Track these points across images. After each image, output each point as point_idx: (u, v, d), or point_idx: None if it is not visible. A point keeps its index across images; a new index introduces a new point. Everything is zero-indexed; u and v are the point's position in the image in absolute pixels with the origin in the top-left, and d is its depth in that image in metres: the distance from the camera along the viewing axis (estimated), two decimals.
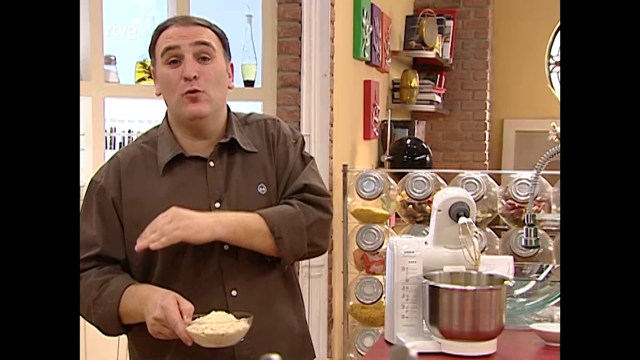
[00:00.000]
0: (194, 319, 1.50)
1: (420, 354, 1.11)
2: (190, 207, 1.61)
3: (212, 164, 1.67)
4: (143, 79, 3.27)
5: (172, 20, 1.69)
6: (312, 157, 1.79)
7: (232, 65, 1.74)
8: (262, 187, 1.68)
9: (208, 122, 1.67)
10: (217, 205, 1.64)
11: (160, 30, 1.68)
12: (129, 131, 3.29)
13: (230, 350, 1.59)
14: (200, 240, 1.58)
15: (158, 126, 1.75)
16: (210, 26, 1.68)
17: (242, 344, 1.61)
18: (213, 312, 1.52)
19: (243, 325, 1.51)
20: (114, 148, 3.24)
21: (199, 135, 1.68)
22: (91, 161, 3.12)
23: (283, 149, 1.73)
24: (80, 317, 1.66)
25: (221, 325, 1.49)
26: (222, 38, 1.69)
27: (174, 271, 1.64)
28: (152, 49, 1.70)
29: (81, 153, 3.14)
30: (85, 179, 3.12)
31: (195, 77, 1.61)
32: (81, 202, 1.72)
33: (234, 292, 1.64)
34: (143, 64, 3.27)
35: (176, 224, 1.55)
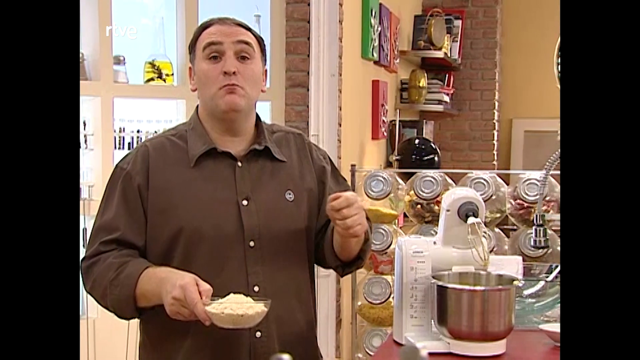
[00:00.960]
0: (212, 300, 1.51)
1: (429, 354, 1.11)
2: (219, 201, 1.65)
3: (240, 164, 1.70)
4: (152, 79, 3.28)
5: (214, 19, 1.73)
6: (345, 179, 1.89)
7: (265, 70, 1.78)
8: (289, 194, 1.72)
9: (240, 118, 1.70)
10: (245, 202, 1.67)
11: (203, 27, 1.73)
12: (138, 131, 3.30)
13: (247, 346, 1.62)
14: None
15: (185, 123, 1.79)
16: (250, 29, 1.73)
17: (258, 340, 1.64)
18: (232, 294, 1.53)
19: (261, 307, 1.52)
20: (123, 148, 3.25)
21: (229, 131, 1.71)
22: (100, 161, 3.13)
23: (319, 164, 1.80)
24: (96, 302, 1.70)
25: (240, 306, 1.50)
26: (260, 42, 1.74)
27: (193, 262, 1.64)
28: (192, 45, 1.75)
29: (90, 153, 3.15)
30: (94, 178, 3.14)
31: (234, 72, 1.66)
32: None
33: (256, 288, 1.65)
34: (152, 64, 3.28)
35: (360, 219, 1.60)
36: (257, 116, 1.78)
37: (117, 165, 1.73)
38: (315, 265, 1.83)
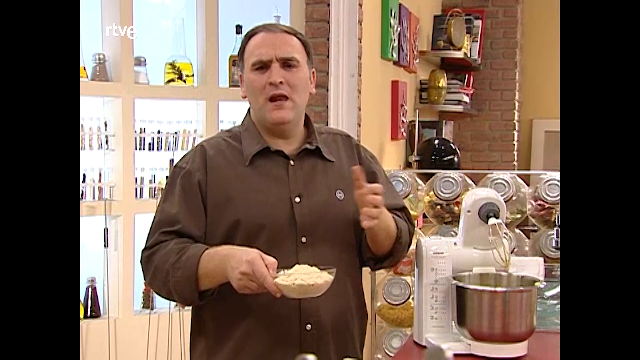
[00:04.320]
0: (277, 273, 1.55)
1: None
2: (273, 197, 1.71)
3: (292, 162, 1.75)
4: (172, 80, 3.30)
5: (261, 27, 1.77)
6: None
7: (314, 72, 1.81)
8: (340, 193, 1.76)
9: (289, 127, 1.76)
10: (297, 200, 1.71)
11: (249, 36, 1.77)
12: (159, 132, 3.32)
13: (296, 338, 1.66)
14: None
15: (238, 125, 1.84)
16: (295, 34, 1.77)
17: (309, 332, 1.67)
18: (297, 265, 1.58)
19: (329, 276, 1.55)
20: (144, 149, 3.27)
21: (280, 136, 1.77)
22: (121, 161, 3.15)
23: (367, 164, 1.84)
24: (157, 294, 1.75)
25: (309, 276, 1.53)
26: (306, 46, 1.78)
27: None
28: (240, 55, 1.78)
29: (111, 153, 3.17)
30: (115, 179, 3.16)
31: (280, 82, 1.70)
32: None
33: None
34: (172, 65, 3.30)
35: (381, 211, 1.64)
36: (307, 117, 1.83)
37: (175, 165, 1.79)
38: None
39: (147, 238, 1.73)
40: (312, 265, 1.58)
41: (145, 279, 1.75)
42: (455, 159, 4.06)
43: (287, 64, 1.72)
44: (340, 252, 1.74)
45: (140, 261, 1.73)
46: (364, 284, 3.32)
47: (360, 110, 3.27)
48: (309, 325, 1.68)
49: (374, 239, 1.73)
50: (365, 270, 3.32)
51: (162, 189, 1.81)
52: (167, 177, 1.82)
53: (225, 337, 1.70)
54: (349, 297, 1.77)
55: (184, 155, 1.80)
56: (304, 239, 1.70)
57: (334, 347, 1.71)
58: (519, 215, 3.11)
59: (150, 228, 1.74)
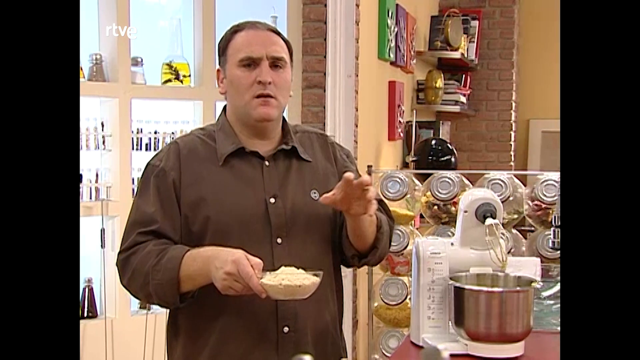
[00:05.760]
0: (263, 274, 1.53)
1: None
2: (247, 198, 1.68)
3: (267, 163, 1.73)
4: (169, 80, 3.29)
5: (245, 23, 1.75)
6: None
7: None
8: (314, 192, 1.74)
9: (272, 125, 1.75)
10: (272, 200, 1.69)
11: (234, 31, 1.75)
12: (155, 132, 3.31)
13: (274, 341, 1.65)
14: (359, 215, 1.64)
15: (213, 124, 1.82)
16: (279, 34, 1.76)
17: (286, 335, 1.66)
18: (283, 267, 1.55)
19: (316, 278, 1.53)
20: (141, 149, 3.26)
21: (258, 135, 1.75)
22: (118, 162, 3.15)
23: (341, 163, 1.83)
24: (134, 296, 1.73)
25: (296, 277, 1.51)
26: (289, 47, 1.77)
27: None
28: (223, 49, 1.75)
29: (108, 154, 3.17)
30: (112, 179, 3.15)
31: (269, 82, 1.69)
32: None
33: None
34: (169, 65, 3.29)
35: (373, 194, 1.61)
36: (283, 117, 1.81)
37: (148, 163, 1.76)
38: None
39: (123, 239, 1.70)
40: (297, 268, 1.56)
41: (121, 282, 1.70)
42: (452, 159, 4.07)
43: (275, 63, 1.71)
44: (316, 253, 1.72)
45: (117, 263, 1.69)
46: (362, 284, 3.35)
47: (357, 110, 3.27)
48: (287, 328, 1.66)
49: (359, 228, 1.68)
50: (363, 271, 3.35)
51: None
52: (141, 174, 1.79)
53: (201, 340, 1.68)
54: (327, 298, 1.75)
55: (157, 153, 1.77)
56: (279, 240, 1.68)
57: (313, 351, 1.67)
58: (515, 216, 3.12)
59: (126, 228, 1.71)
